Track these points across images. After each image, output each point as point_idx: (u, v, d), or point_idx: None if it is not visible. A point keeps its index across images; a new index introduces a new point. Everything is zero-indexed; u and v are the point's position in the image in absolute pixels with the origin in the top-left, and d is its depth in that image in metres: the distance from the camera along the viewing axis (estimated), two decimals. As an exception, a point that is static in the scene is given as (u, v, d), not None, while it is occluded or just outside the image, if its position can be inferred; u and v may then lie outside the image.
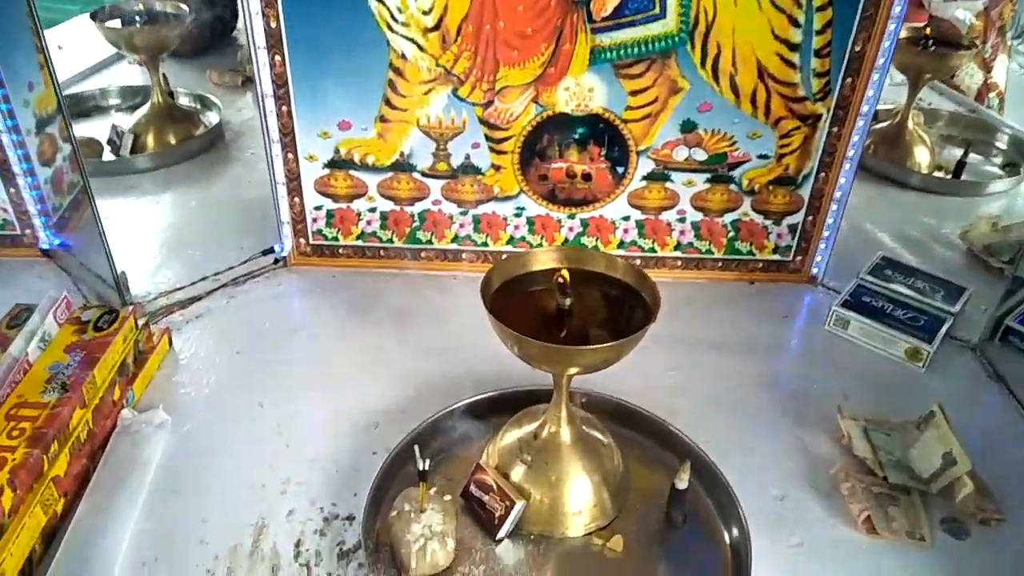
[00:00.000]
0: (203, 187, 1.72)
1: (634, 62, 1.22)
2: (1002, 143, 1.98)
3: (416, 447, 0.87)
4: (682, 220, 1.37)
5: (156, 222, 1.58)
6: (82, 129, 1.92)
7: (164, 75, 1.90)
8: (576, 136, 1.29)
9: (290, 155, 1.31)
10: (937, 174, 1.83)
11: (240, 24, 2.52)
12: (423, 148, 1.31)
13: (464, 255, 1.42)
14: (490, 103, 1.26)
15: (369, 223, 1.39)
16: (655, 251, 1.41)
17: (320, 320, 1.31)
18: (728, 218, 1.37)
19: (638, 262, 1.38)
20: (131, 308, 1.13)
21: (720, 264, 1.42)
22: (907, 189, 1.78)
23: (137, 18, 1.85)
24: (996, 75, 2.32)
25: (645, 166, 1.32)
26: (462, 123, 1.28)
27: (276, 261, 1.42)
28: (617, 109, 1.26)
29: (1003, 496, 0.99)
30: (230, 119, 2.02)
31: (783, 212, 1.36)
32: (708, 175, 1.33)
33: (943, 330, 1.24)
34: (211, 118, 1.99)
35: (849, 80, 1.22)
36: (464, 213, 1.38)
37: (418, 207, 1.37)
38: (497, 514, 0.89)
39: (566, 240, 1.40)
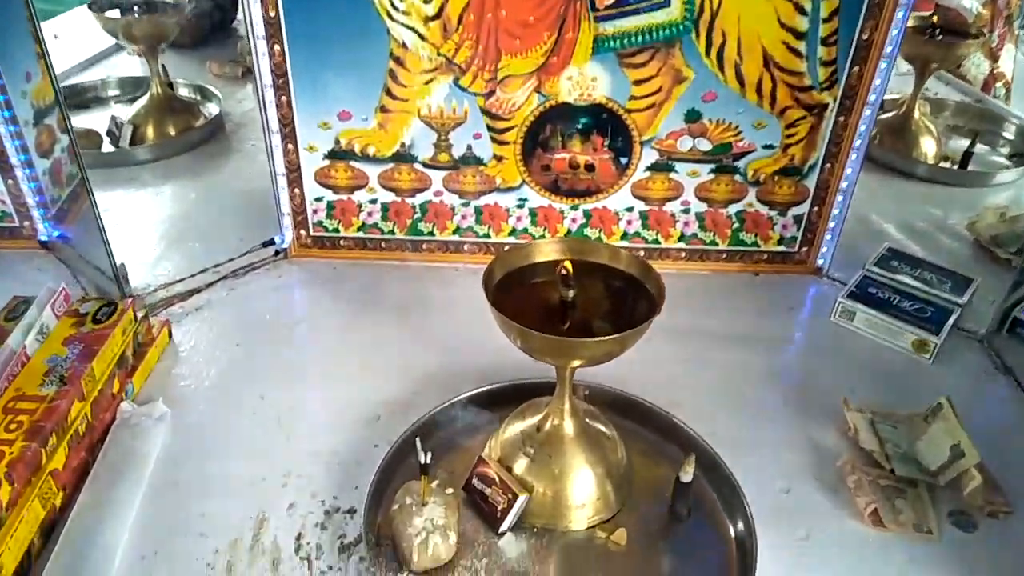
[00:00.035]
0: (203, 179, 1.71)
1: (638, 51, 1.20)
2: (1009, 133, 1.97)
3: (418, 440, 0.86)
4: (686, 211, 1.36)
5: (156, 214, 1.57)
6: (81, 120, 1.91)
7: (163, 66, 1.89)
8: (579, 126, 1.28)
9: (290, 146, 1.30)
10: (944, 164, 1.82)
11: (240, 14, 2.51)
12: (424, 139, 1.30)
13: (466, 247, 1.41)
14: (492, 93, 1.25)
15: (370, 215, 1.38)
16: (659, 242, 1.39)
17: (321, 312, 1.30)
18: (733, 209, 1.36)
19: (641, 253, 1.37)
20: (130, 300, 1.12)
21: (724, 255, 1.41)
22: (913, 180, 1.77)
23: (135, 8, 1.84)
24: (1003, 64, 2.29)
25: (649, 156, 1.31)
26: (464, 113, 1.27)
27: (277, 253, 1.41)
28: (620, 99, 1.25)
29: (1011, 489, 0.98)
30: (230, 110, 2.01)
31: (788, 203, 1.35)
32: (713, 165, 1.32)
33: (950, 322, 1.23)
34: (211, 109, 1.98)
35: (856, 69, 1.20)
36: (466, 204, 1.36)
37: (419, 198, 1.36)
38: (500, 507, 0.89)
39: (569, 231, 1.39)
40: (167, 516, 0.92)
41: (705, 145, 1.29)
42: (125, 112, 1.89)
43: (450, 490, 0.89)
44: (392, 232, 1.39)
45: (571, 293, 0.84)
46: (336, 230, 1.39)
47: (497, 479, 0.90)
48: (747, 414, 1.10)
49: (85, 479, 0.93)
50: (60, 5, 2.58)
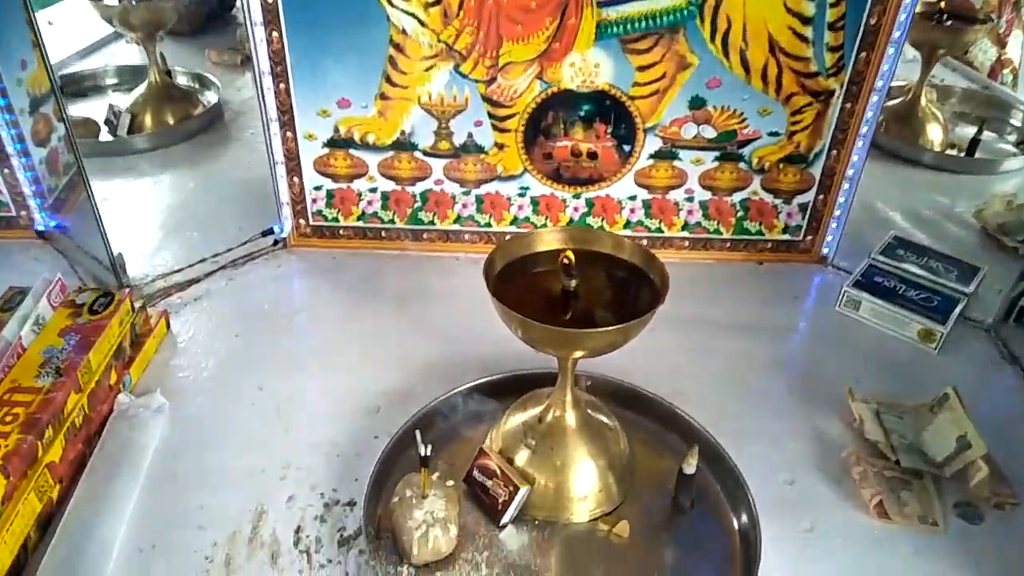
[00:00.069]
0: (202, 168, 1.70)
1: (641, 37, 1.19)
2: (1016, 120, 1.96)
3: (418, 432, 0.85)
4: (690, 199, 1.35)
5: (154, 203, 1.56)
6: (79, 109, 1.90)
7: (161, 54, 1.88)
8: (582, 113, 1.26)
9: (288, 134, 1.28)
10: (950, 152, 1.81)
11: (238, 0, 2.49)
12: (424, 126, 1.28)
13: (467, 236, 1.39)
14: (493, 80, 1.23)
15: (370, 203, 1.36)
16: (662, 231, 1.38)
17: (320, 302, 1.29)
18: (737, 197, 1.34)
19: (644, 242, 1.35)
20: (127, 291, 1.11)
21: (728, 244, 1.39)
22: (919, 167, 1.76)
23: (133, -6, 1.82)
24: (1010, 51, 2.27)
25: (652, 144, 1.29)
26: (464, 100, 1.25)
27: (276, 243, 1.40)
28: (624, 85, 1.23)
29: (1018, 480, 0.97)
30: (229, 98, 1.99)
31: (793, 191, 1.34)
32: (717, 153, 1.30)
33: (957, 311, 1.21)
34: (210, 98, 1.97)
35: (863, 54, 1.19)
36: (467, 193, 1.35)
37: (420, 187, 1.34)
38: (501, 500, 0.88)
39: (571, 220, 1.38)
40: (165, 509, 0.91)
41: (709, 132, 1.28)
42: (123, 101, 1.88)
43: (451, 482, 0.89)
44: (392, 221, 1.38)
45: (573, 283, 0.83)
46: (335, 219, 1.38)
47: (498, 471, 0.89)
48: (751, 405, 1.09)
49: (82, 472, 0.92)
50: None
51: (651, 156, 1.31)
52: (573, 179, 1.33)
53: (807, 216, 1.36)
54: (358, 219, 1.38)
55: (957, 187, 1.68)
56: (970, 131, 1.82)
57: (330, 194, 1.35)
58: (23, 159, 1.33)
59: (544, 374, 1.00)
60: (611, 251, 0.89)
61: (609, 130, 1.28)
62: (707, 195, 1.34)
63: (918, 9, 1.23)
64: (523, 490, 0.87)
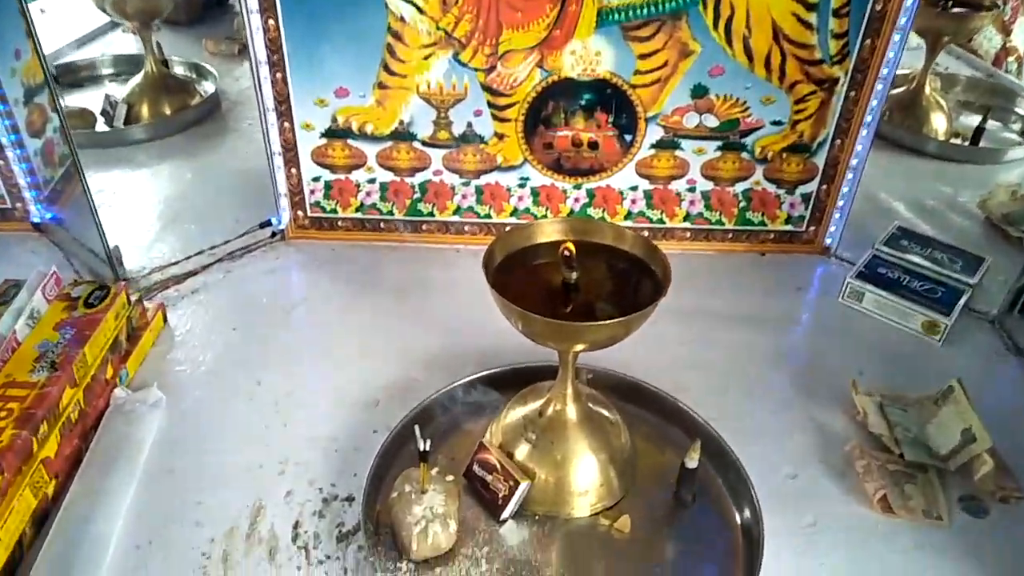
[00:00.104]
0: (199, 159, 1.69)
1: (643, 24, 1.17)
2: (1021, 109, 1.94)
3: (416, 427, 0.84)
4: (692, 190, 1.33)
5: (151, 195, 1.55)
6: (75, 99, 1.88)
7: (158, 43, 1.86)
8: (582, 102, 1.25)
9: (286, 124, 1.27)
10: (954, 141, 1.79)
11: (236, -10, 2.47)
12: (423, 116, 1.27)
13: (466, 227, 1.38)
14: (493, 68, 1.21)
15: (369, 195, 1.35)
16: (664, 222, 1.37)
17: (319, 295, 1.28)
18: (739, 187, 1.33)
19: (646, 234, 1.34)
20: (123, 284, 1.10)
21: (731, 235, 1.38)
22: (923, 157, 1.74)
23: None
24: (1016, 38, 2.25)
25: (654, 133, 1.28)
26: (464, 89, 1.24)
27: (273, 234, 1.38)
28: (625, 74, 1.22)
29: (1023, 474, 0.96)
30: (226, 88, 1.98)
31: (797, 181, 1.32)
32: (719, 143, 1.29)
33: (961, 302, 1.20)
34: (207, 88, 1.95)
35: (868, 41, 1.17)
36: (466, 184, 1.34)
37: (419, 178, 1.33)
38: (501, 494, 0.87)
39: (572, 211, 1.36)
40: (162, 504, 0.90)
41: (712, 121, 1.26)
42: (120, 91, 1.86)
43: (450, 477, 0.88)
44: (391, 212, 1.37)
45: (574, 275, 0.82)
46: (334, 211, 1.37)
47: (498, 466, 0.88)
48: (754, 398, 1.08)
49: (78, 467, 0.92)
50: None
51: (653, 146, 1.29)
52: (574, 169, 1.32)
53: (810, 206, 1.35)
54: (357, 210, 1.36)
55: (961, 177, 1.66)
56: (974, 120, 1.80)
57: (328, 185, 1.34)
58: (18, 150, 1.32)
59: (545, 367, 0.99)
60: (612, 242, 0.88)
61: (610, 119, 1.26)
62: (709, 185, 1.33)
63: (924, -5, 1.22)
64: (523, 485, 0.86)
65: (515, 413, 0.93)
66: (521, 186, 1.34)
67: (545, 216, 1.36)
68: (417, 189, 1.34)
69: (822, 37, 1.17)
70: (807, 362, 1.16)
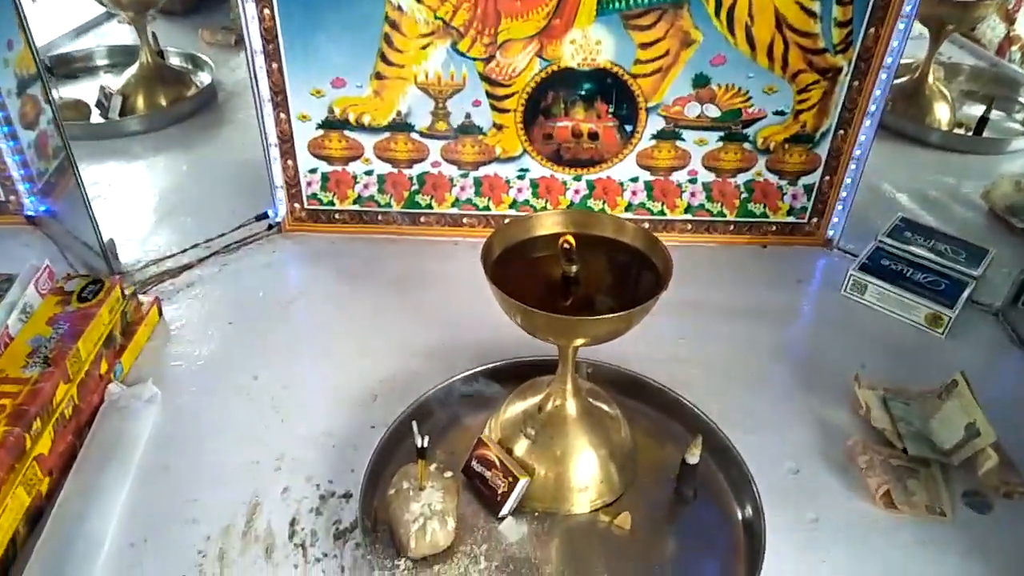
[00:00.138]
0: (194, 150, 1.67)
1: (644, 12, 1.15)
2: (1025, 98, 1.92)
3: (414, 422, 0.83)
4: (693, 181, 1.32)
5: (146, 187, 1.54)
6: (69, 90, 1.87)
7: (154, 34, 1.85)
8: (582, 92, 1.23)
9: (282, 115, 1.25)
10: (958, 131, 1.78)
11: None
12: (421, 107, 1.25)
13: (465, 220, 1.37)
14: (491, 58, 1.20)
15: (366, 187, 1.34)
16: (664, 214, 1.36)
17: (316, 289, 1.27)
18: (741, 179, 1.32)
19: (646, 225, 1.33)
20: (117, 277, 1.09)
21: (732, 227, 1.37)
22: (926, 147, 1.73)
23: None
24: (1019, 27, 2.23)
25: (655, 124, 1.26)
26: (462, 79, 1.22)
27: (270, 227, 1.37)
28: (626, 63, 1.20)
29: (1028, 468, 0.95)
30: (223, 79, 1.96)
31: (799, 172, 1.31)
32: (721, 133, 1.27)
33: (965, 294, 1.19)
34: (203, 79, 1.93)
35: (872, 30, 1.16)
36: (465, 175, 1.32)
37: (417, 169, 1.32)
38: (500, 491, 0.86)
39: (571, 203, 1.35)
40: (157, 502, 0.89)
41: (713, 112, 1.25)
42: (115, 82, 1.85)
43: (449, 473, 0.87)
44: (389, 205, 1.35)
45: (574, 268, 0.81)
46: (331, 203, 1.35)
47: (497, 462, 0.87)
48: (755, 391, 1.07)
49: (72, 464, 0.91)
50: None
51: (653, 136, 1.28)
52: (573, 160, 1.31)
53: (812, 198, 1.33)
54: (354, 203, 1.35)
55: (965, 167, 1.65)
56: (978, 110, 1.79)
57: (325, 177, 1.32)
58: (11, 142, 1.30)
59: (544, 361, 0.98)
60: (613, 235, 0.87)
61: (611, 110, 1.25)
62: (711, 176, 1.32)
63: (928, -17, 1.20)
64: (523, 481, 0.85)
65: (514, 408, 0.92)
66: (520, 177, 1.33)
67: (544, 208, 1.35)
68: (415, 181, 1.33)
69: (825, 25, 1.16)
70: (809, 355, 1.15)
